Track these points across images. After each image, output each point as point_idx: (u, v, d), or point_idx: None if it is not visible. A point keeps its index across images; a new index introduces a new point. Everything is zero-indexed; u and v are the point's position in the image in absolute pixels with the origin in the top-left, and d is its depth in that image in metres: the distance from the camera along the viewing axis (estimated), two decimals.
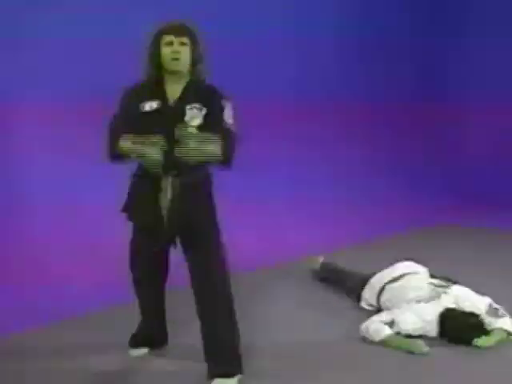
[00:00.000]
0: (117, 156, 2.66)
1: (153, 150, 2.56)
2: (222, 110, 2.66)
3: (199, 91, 2.66)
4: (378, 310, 3.46)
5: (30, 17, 3.92)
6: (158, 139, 2.56)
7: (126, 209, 2.78)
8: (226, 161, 2.64)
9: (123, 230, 2.89)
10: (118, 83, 2.72)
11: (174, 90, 2.69)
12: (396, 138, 6.63)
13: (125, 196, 2.78)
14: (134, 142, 2.59)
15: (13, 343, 3.16)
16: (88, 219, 4.08)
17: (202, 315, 2.76)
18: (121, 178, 2.84)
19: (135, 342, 3.06)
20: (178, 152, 2.55)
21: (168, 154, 2.59)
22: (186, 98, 2.66)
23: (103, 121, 2.72)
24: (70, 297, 3.62)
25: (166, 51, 2.64)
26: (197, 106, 2.65)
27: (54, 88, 4.06)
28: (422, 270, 3.57)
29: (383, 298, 3.46)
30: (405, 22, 6.62)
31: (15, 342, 3.17)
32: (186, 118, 2.63)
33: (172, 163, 2.62)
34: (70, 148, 4.12)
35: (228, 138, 2.63)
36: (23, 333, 3.25)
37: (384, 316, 3.20)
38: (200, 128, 2.63)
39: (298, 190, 5.46)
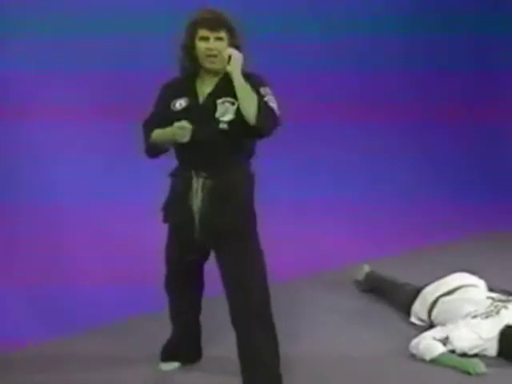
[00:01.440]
0: (152, 153, 2.70)
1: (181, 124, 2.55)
2: (260, 96, 2.55)
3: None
4: (430, 325, 3.33)
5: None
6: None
7: (163, 208, 2.76)
8: (259, 124, 2.52)
9: (155, 236, 2.85)
10: (151, 80, 2.72)
11: (207, 85, 2.63)
12: (447, 140, 6.45)
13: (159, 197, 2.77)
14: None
15: (36, 353, 3.13)
16: (117, 223, 4.02)
17: (239, 331, 2.69)
18: (154, 178, 2.86)
19: (166, 355, 2.99)
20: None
21: (198, 153, 2.56)
22: (218, 93, 2.59)
23: (135, 117, 2.72)
24: (95, 305, 3.58)
25: (200, 46, 2.57)
26: (229, 99, 2.57)
27: (81, 85, 4.04)
28: (479, 283, 3.44)
29: (435, 312, 3.33)
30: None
31: (39, 352, 3.15)
32: (217, 114, 2.56)
33: (202, 164, 2.58)
34: (98, 146, 4.09)
35: (266, 108, 2.53)
36: (47, 343, 3.23)
37: (437, 332, 3.09)
38: (232, 124, 2.55)
39: (338, 193, 5.33)
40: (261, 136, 2.59)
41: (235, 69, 2.53)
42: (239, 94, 2.52)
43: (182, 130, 2.52)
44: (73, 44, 3.87)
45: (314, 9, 5.15)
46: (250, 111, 2.50)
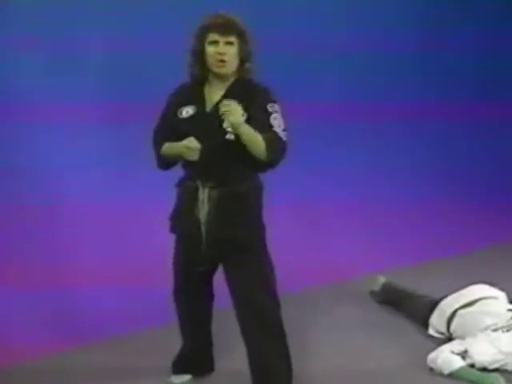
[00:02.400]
0: (163, 165, 2.72)
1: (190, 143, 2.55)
2: (267, 114, 2.54)
3: (244, 93, 2.55)
4: (449, 338, 3.29)
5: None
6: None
7: (170, 218, 2.75)
8: (269, 159, 2.51)
9: (167, 245, 2.82)
10: (163, 82, 2.72)
11: (215, 92, 2.61)
12: (473, 145, 6.38)
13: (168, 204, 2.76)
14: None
15: (40, 366, 3.12)
16: (125, 232, 4.02)
17: (249, 344, 2.68)
18: (163, 184, 2.82)
19: (177, 367, 2.97)
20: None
21: (204, 162, 2.55)
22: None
23: (144, 121, 2.75)
24: (103, 316, 3.55)
25: (210, 51, 2.56)
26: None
27: (94, 87, 4.06)
28: (499, 295, 3.39)
29: (454, 325, 3.29)
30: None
31: (42, 364, 3.13)
32: (224, 124, 2.54)
33: (208, 173, 2.57)
34: (105, 150, 4.10)
35: (274, 140, 2.51)
36: (52, 355, 3.21)
37: (456, 345, 3.05)
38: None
39: (352, 200, 5.28)
40: (268, 168, 2.60)
41: (237, 122, 2.48)
42: (246, 142, 2.50)
43: (189, 149, 2.53)
44: (81, 45, 3.90)
45: (313, 7, 5.12)
46: (259, 152, 2.50)
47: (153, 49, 4.05)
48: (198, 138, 2.55)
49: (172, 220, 2.74)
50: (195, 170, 2.62)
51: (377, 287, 4.02)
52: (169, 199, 2.76)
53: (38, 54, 3.81)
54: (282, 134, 2.55)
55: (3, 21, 3.70)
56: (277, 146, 2.52)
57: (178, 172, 2.75)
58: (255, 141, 2.50)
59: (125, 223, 4.02)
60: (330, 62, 5.26)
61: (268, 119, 2.53)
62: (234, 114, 2.47)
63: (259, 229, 2.67)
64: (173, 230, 2.74)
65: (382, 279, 4.05)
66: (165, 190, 2.81)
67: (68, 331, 3.40)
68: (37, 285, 3.54)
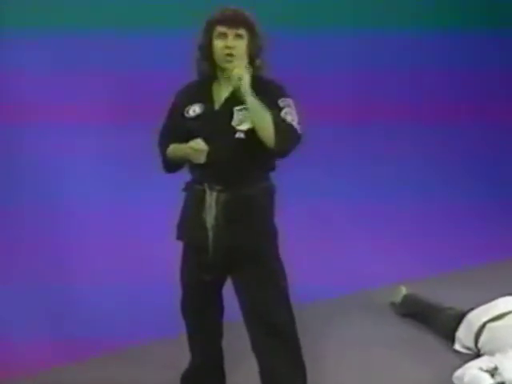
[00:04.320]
0: (169, 168, 2.69)
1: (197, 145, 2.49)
2: (278, 109, 2.46)
3: (255, 89, 2.46)
4: (477, 354, 3.21)
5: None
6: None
7: (177, 225, 2.70)
8: (279, 145, 2.41)
9: (175, 254, 2.76)
10: (170, 83, 2.68)
11: (224, 89, 2.55)
12: (492, 154, 6.33)
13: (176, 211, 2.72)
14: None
15: (52, 378, 3.12)
16: (130, 240, 3.97)
17: (261, 359, 2.62)
18: (170, 188, 2.77)
19: (186, 382, 2.91)
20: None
21: (212, 164, 2.49)
22: (236, 98, 2.49)
23: (151, 122, 2.74)
24: (109, 329, 3.52)
25: (218, 44, 2.50)
26: (247, 106, 2.47)
27: (100, 90, 4.05)
28: None
29: (483, 340, 3.21)
30: None
31: (54, 376, 3.13)
32: (234, 122, 2.49)
33: (216, 176, 2.51)
34: (110, 151, 4.07)
35: (285, 126, 2.42)
36: (62, 367, 3.21)
37: (484, 362, 2.94)
38: (250, 133, 2.46)
39: (371, 206, 5.24)
40: (279, 157, 2.53)
41: (247, 91, 2.43)
42: (254, 117, 2.42)
43: (196, 151, 2.47)
44: (87, 44, 3.88)
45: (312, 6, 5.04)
46: (267, 135, 2.40)
47: (158, 47, 4.03)
48: (205, 138, 2.49)
49: (179, 227, 2.68)
50: (202, 173, 2.56)
51: (398, 298, 3.98)
52: (177, 204, 2.70)
53: (41, 53, 3.81)
54: (296, 126, 2.47)
55: (5, 19, 3.71)
56: (287, 133, 2.43)
57: (186, 175, 2.69)
58: (264, 118, 2.40)
59: (132, 229, 3.99)
60: (341, 60, 5.20)
61: (279, 114, 2.45)
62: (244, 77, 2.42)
63: (270, 234, 2.61)
64: (179, 237, 2.68)
65: (403, 290, 4.00)
66: (171, 194, 2.75)
67: (70, 344, 3.38)
68: (37, 295, 3.52)
